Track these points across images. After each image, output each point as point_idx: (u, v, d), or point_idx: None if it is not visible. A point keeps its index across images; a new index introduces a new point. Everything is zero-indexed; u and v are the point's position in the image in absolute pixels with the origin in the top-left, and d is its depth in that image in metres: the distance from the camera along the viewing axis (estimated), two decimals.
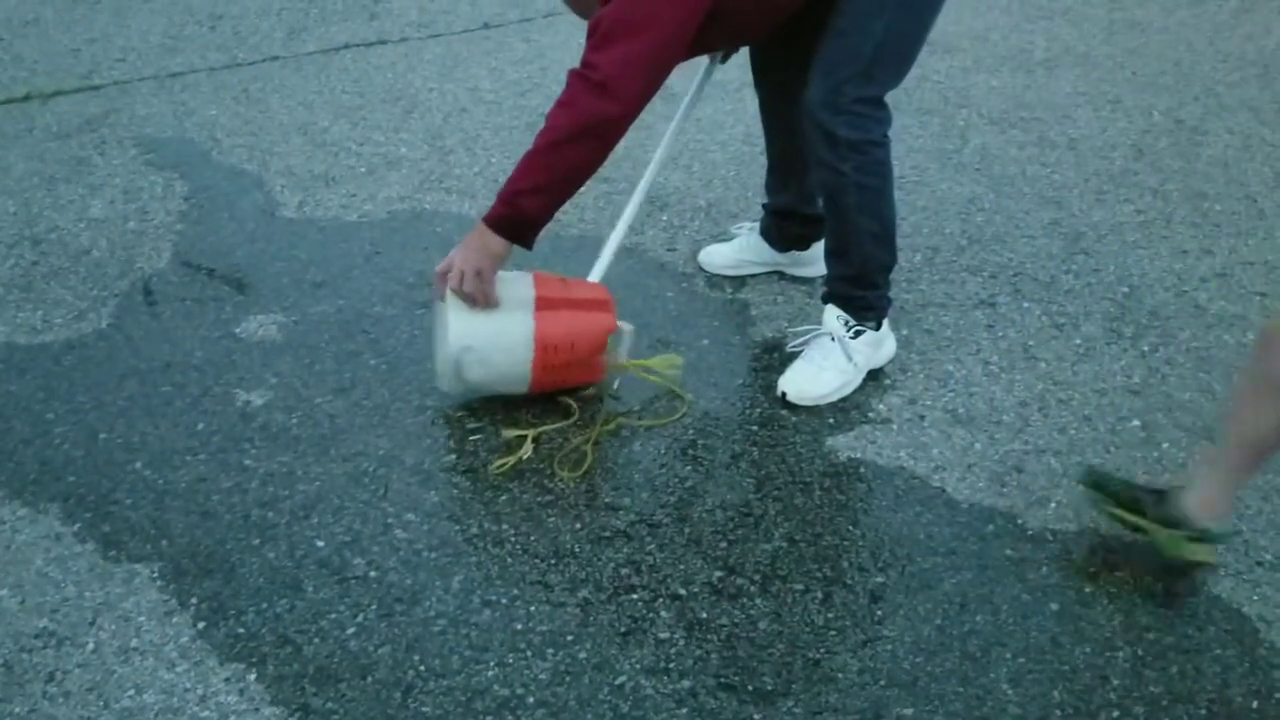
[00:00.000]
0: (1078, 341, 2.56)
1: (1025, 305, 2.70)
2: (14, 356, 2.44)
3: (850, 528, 2.00)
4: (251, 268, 2.79)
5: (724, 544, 1.95)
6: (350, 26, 4.44)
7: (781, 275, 2.80)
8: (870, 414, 2.30)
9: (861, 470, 2.14)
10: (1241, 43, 4.53)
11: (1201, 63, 4.25)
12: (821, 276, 2.50)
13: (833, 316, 2.36)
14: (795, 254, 2.77)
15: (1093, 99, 3.93)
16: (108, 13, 4.59)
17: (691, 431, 2.25)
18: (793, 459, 2.17)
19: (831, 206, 2.29)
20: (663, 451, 2.19)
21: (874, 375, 2.42)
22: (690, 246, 2.93)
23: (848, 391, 2.36)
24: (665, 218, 3.09)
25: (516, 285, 2.24)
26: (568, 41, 4.35)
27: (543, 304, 2.22)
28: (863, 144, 2.19)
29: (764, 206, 2.75)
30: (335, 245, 2.91)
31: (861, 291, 2.34)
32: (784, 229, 2.72)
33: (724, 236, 2.91)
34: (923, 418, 2.29)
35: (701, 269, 2.83)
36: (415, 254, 2.88)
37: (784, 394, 2.33)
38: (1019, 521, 2.02)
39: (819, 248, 2.54)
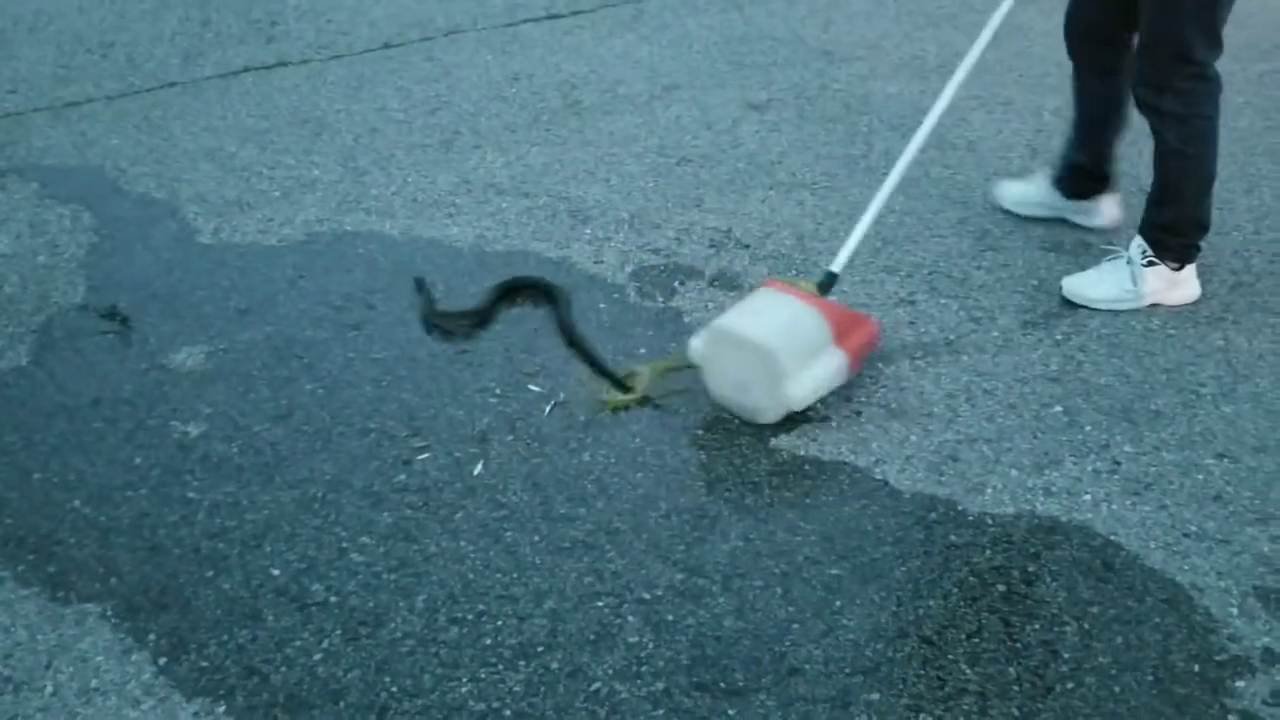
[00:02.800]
0: (995, 334, 2.66)
1: (943, 301, 2.79)
2: None
3: (801, 523, 2.06)
4: (172, 297, 2.74)
5: (682, 546, 1.99)
6: (248, 49, 4.38)
7: (711, 284, 2.85)
8: (810, 413, 2.36)
9: (806, 467, 2.20)
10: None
11: None
12: (1099, 228, 3.02)
13: (1136, 243, 2.70)
14: (1080, 203, 3.06)
15: (986, 102, 4.07)
16: None
17: (639, 439, 2.28)
18: (739, 460, 2.22)
19: (1158, 165, 2.64)
20: (614, 460, 2.21)
21: None
22: (617, 258, 2.97)
23: (1119, 308, 2.71)
24: (589, 230, 3.12)
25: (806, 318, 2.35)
26: (472, 59, 4.35)
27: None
28: (1187, 116, 2.54)
29: (1063, 158, 3.05)
30: (257, 271, 2.88)
31: (1166, 236, 2.68)
32: (1075, 182, 3.03)
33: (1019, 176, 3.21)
34: (859, 414, 2.36)
35: (632, 280, 2.87)
36: (339, 276, 2.86)
37: (1061, 288, 2.75)
38: (959, 508, 2.10)
39: (1103, 201, 3.02)
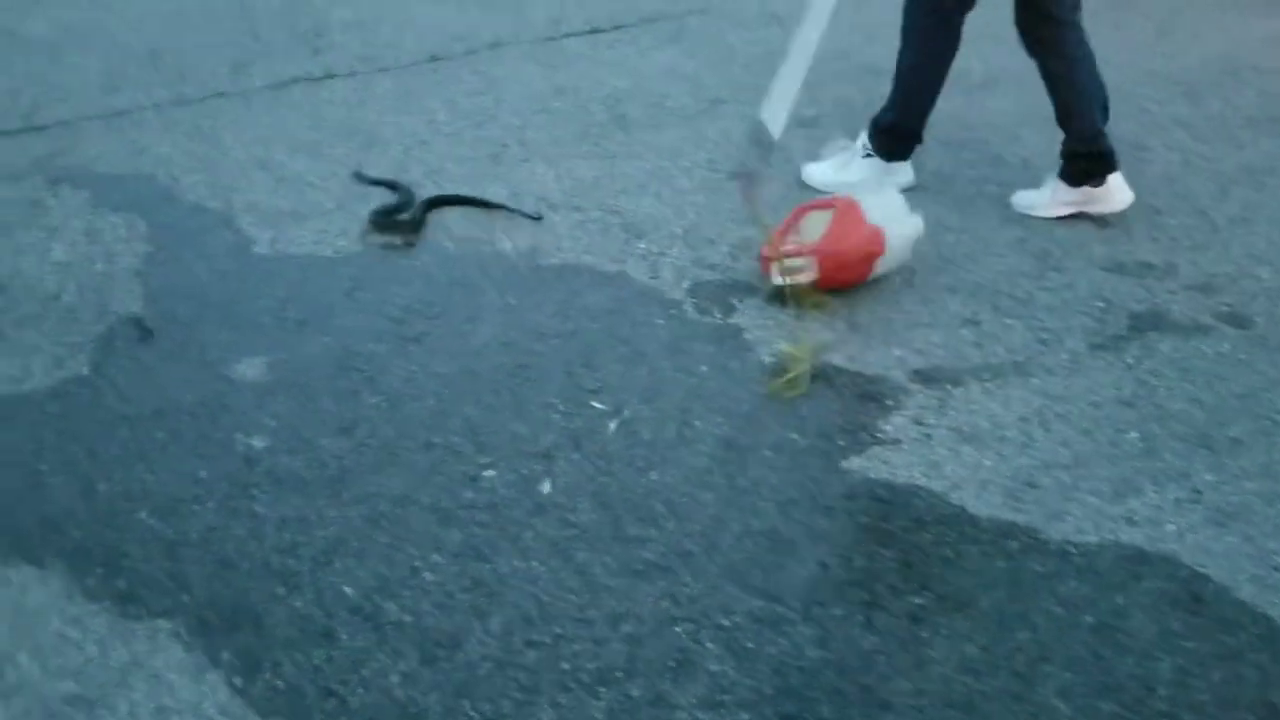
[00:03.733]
0: (1064, 356, 2.62)
1: (1008, 322, 2.75)
2: None
3: (879, 550, 2.02)
4: (230, 307, 2.72)
5: (758, 572, 1.95)
6: (295, 62, 4.37)
7: (769, 300, 2.82)
8: (879, 435, 2.33)
9: (879, 491, 2.16)
10: (1164, 62, 4.71)
11: (1128, 82, 4.39)
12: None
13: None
14: (1088, 190, 3.28)
15: (1032, 118, 4.01)
16: (42, 53, 4.45)
17: (706, 459, 2.25)
18: (810, 483, 2.18)
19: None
20: (682, 480, 2.18)
21: (875, 397, 2.45)
22: (673, 274, 2.94)
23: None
24: (643, 245, 3.09)
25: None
26: (517, 72, 4.34)
27: None
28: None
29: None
30: (313, 281, 2.85)
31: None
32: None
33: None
34: (929, 436, 2.32)
35: (689, 296, 2.84)
36: (396, 288, 2.83)
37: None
38: (1040, 536, 2.05)
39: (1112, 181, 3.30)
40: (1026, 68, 3.30)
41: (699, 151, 3.69)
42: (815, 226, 2.82)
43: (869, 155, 3.40)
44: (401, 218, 3.14)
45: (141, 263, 2.92)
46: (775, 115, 2.84)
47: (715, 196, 3.38)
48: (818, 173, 3.46)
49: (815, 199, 3.07)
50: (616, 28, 4.86)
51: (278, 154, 3.56)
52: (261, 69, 4.28)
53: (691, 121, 3.90)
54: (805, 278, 2.76)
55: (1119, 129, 3.95)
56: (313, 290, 2.81)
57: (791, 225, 2.86)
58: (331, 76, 4.25)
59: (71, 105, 3.92)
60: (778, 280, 2.78)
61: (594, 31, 4.79)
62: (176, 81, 4.15)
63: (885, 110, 3.40)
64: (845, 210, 2.83)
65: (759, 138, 2.87)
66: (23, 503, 2.08)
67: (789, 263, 2.77)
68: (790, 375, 2.48)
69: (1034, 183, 3.43)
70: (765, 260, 2.83)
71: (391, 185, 3.32)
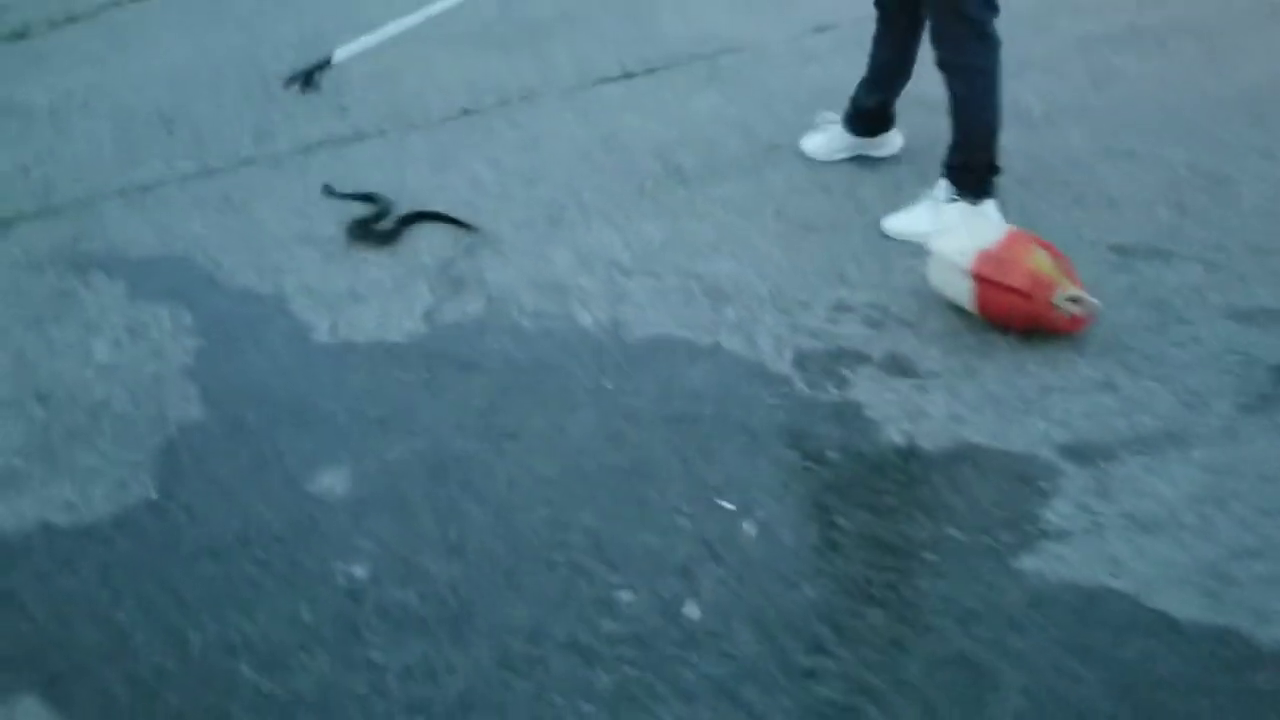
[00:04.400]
0: (1216, 422, 2.41)
1: (1146, 385, 2.54)
2: (57, 544, 2.09)
3: (1083, 671, 1.79)
4: (300, 407, 2.48)
5: (959, 709, 1.72)
6: (321, 122, 4.12)
7: (884, 369, 2.60)
8: (1044, 526, 2.10)
9: (1066, 597, 1.94)
10: (1220, 84, 4.52)
11: (1187, 107, 4.20)
12: (891, 156, 3.58)
13: (941, 184, 3.14)
14: (873, 139, 3.53)
15: (1110, 153, 3.81)
16: (45, 124, 4.19)
17: (861, 565, 2.02)
18: (985, 589, 1.96)
19: (952, 113, 3.10)
20: (841, 595, 1.95)
21: (1028, 479, 2.23)
22: (771, 343, 2.72)
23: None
24: (731, 312, 2.87)
25: None
26: (556, 124, 4.11)
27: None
28: (966, 68, 3.05)
29: (853, 103, 3.51)
30: (386, 373, 2.62)
31: (964, 175, 3.10)
32: (867, 122, 3.52)
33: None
34: (1100, 526, 2.11)
35: (796, 369, 2.62)
36: (477, 376, 2.60)
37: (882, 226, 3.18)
38: (1253, 643, 1.84)
39: (891, 135, 3.57)
40: (1083, 100, 3.15)
41: (766, 204, 3.46)
42: (1042, 260, 2.69)
43: (955, 199, 3.21)
44: (378, 227, 3.25)
45: (194, 359, 2.67)
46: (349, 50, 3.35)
47: (794, 253, 3.16)
48: (905, 223, 3.25)
49: (1015, 229, 2.90)
50: (649, 71, 4.64)
51: (320, 227, 3.32)
52: (286, 132, 4.04)
53: (751, 172, 3.68)
54: (1080, 311, 2.65)
55: (1202, 159, 3.78)
56: (387, 382, 2.57)
57: (1019, 252, 2.72)
58: (362, 138, 4.00)
59: (87, 181, 3.67)
60: (1065, 304, 2.63)
61: (627, 76, 4.57)
62: (196, 149, 3.90)
63: (953, 149, 3.23)
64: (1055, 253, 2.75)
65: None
66: (107, 663, 1.83)
67: (1073, 291, 2.65)
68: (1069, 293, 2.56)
69: (1125, 220, 3.24)
70: (985, 280, 2.69)
71: (366, 197, 3.40)
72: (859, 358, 2.66)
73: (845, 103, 4.28)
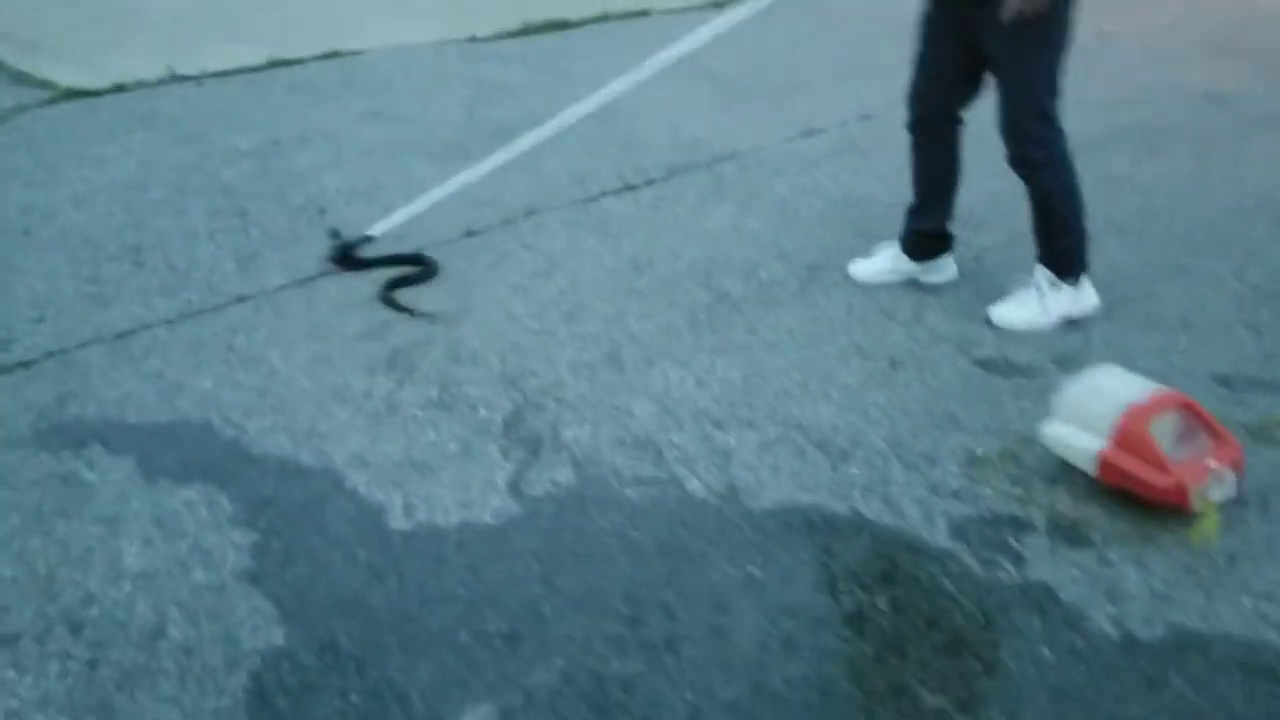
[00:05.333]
0: None
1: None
2: None
3: None
4: (405, 622, 2.05)
5: None
6: (308, 244, 3.68)
7: (1054, 536, 2.31)
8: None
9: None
10: (1234, 192, 4.38)
11: (1215, 219, 4.06)
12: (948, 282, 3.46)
13: (1040, 272, 3.17)
14: (928, 264, 3.41)
15: (1164, 269, 3.65)
16: None
17: None
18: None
19: (1039, 208, 3.15)
20: None
21: (1265, 673, 1.95)
22: (917, 510, 2.41)
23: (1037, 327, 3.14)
24: (855, 471, 2.55)
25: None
26: (573, 245, 3.77)
27: None
28: (1051, 161, 3.06)
29: (907, 226, 3.39)
30: (491, 569, 2.21)
31: (1062, 261, 3.15)
32: (923, 246, 3.39)
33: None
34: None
35: (957, 541, 2.31)
36: (602, 567, 2.21)
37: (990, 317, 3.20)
38: None
39: (947, 258, 3.45)
40: (1106, 211, 2.96)
41: (837, 335, 3.18)
42: (1163, 430, 2.39)
43: (1056, 284, 3.18)
44: (359, 255, 3.51)
45: (251, 560, 2.21)
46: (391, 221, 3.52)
47: (892, 394, 2.87)
48: (1017, 315, 3.20)
49: (1135, 399, 2.44)
50: (648, 182, 4.35)
51: (350, 378, 2.89)
52: (274, 259, 3.58)
53: (801, 296, 3.40)
54: (1218, 496, 2.38)
55: (1246, 274, 3.62)
56: (497, 581, 2.16)
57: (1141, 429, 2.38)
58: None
59: (54, 326, 3.16)
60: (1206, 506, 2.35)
61: (629, 188, 4.27)
62: (174, 283, 3.42)
63: (1047, 239, 3.21)
64: (1194, 409, 2.46)
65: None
66: None
67: (1221, 488, 2.39)
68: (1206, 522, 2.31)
69: (1211, 346, 3.06)
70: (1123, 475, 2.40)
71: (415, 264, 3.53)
72: (1020, 524, 2.37)
73: (860, 212, 4.08)
